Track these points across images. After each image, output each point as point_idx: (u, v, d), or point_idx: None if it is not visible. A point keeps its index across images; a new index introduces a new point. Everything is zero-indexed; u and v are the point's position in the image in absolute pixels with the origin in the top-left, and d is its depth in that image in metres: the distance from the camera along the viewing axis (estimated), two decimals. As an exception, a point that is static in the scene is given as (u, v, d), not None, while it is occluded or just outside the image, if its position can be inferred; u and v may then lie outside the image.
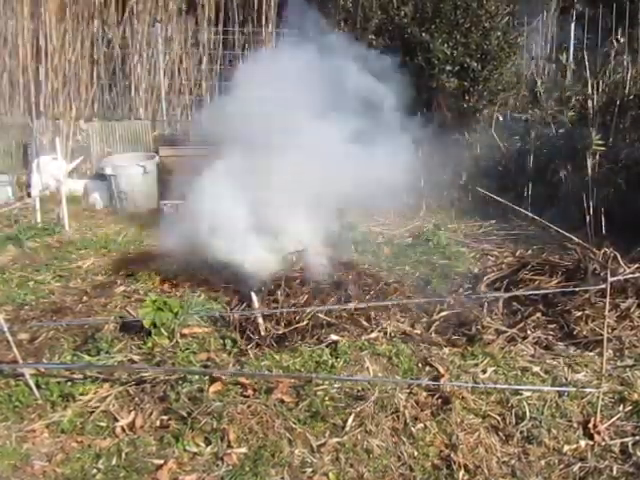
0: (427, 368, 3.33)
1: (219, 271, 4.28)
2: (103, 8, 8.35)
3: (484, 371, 3.29)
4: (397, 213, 6.91)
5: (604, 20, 8.16)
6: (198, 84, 9.09)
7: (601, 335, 3.13)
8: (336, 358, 3.36)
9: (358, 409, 2.92)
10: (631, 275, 3.91)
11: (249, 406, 2.93)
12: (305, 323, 3.78)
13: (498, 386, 3.13)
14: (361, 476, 2.58)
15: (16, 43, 7.88)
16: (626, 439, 2.80)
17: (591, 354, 3.50)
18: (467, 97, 7.31)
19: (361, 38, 7.41)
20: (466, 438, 2.78)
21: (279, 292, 4.03)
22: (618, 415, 2.94)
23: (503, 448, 2.77)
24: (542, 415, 2.93)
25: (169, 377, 3.13)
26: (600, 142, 5.90)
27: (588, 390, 3.04)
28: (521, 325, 3.81)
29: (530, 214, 4.57)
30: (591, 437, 2.82)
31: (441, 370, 3.27)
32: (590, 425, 2.86)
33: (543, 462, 2.69)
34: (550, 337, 3.71)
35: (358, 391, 3.07)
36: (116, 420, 2.87)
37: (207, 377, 3.13)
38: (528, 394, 3.06)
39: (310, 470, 2.59)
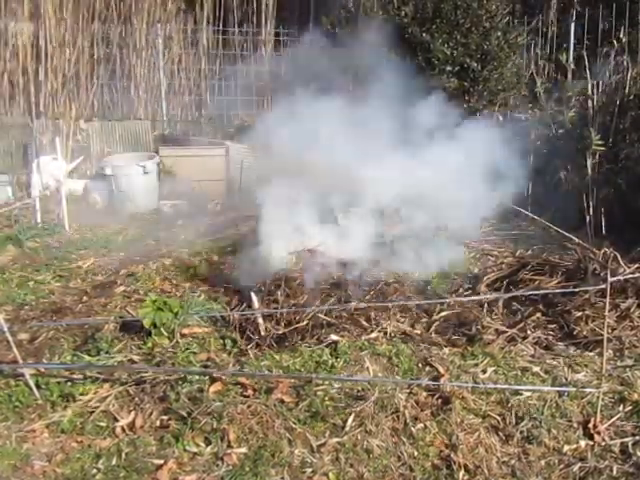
0: (427, 368, 3.33)
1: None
2: (103, 8, 8.35)
3: (484, 371, 3.29)
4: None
5: (604, 20, 8.17)
6: (198, 84, 9.10)
7: (601, 335, 3.13)
8: (336, 358, 3.36)
9: (358, 409, 2.92)
10: (631, 275, 3.91)
11: (249, 406, 2.93)
12: (305, 323, 3.78)
13: (498, 386, 3.13)
14: (361, 476, 2.58)
15: (16, 43, 7.88)
16: (626, 439, 2.80)
17: (591, 354, 3.50)
18: (467, 97, 7.31)
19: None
20: (466, 438, 2.78)
21: (279, 292, 4.03)
22: (618, 415, 2.94)
23: (503, 448, 2.77)
24: (542, 415, 2.93)
25: (169, 377, 3.13)
26: (600, 142, 5.90)
27: (588, 390, 3.04)
28: (521, 325, 3.81)
29: (530, 214, 4.56)
30: (591, 437, 2.82)
31: (441, 370, 3.27)
32: (590, 425, 2.86)
33: (543, 462, 2.69)
34: (550, 337, 3.70)
35: (358, 391, 3.07)
36: (116, 420, 2.87)
37: (207, 377, 3.13)
38: (528, 394, 3.06)
39: (310, 470, 2.59)
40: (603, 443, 2.78)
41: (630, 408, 2.98)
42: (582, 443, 2.79)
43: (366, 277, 4.41)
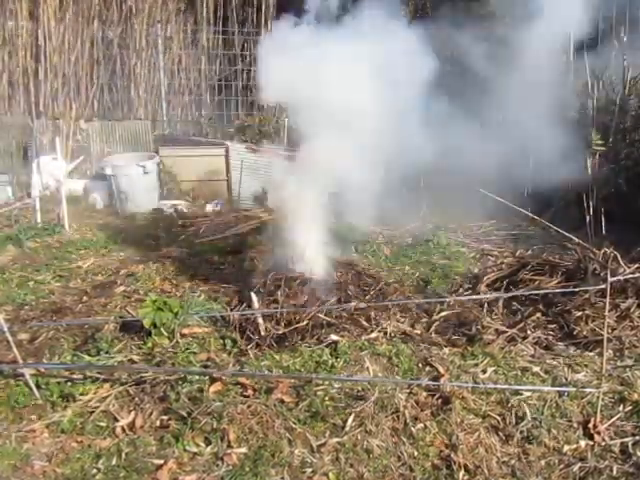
0: (427, 368, 3.33)
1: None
2: (103, 8, 8.35)
3: (484, 371, 3.29)
4: (397, 213, 6.90)
5: (604, 20, 8.15)
6: (198, 84, 9.10)
7: (601, 335, 3.13)
8: (336, 358, 3.36)
9: (358, 409, 2.92)
10: (631, 275, 3.91)
11: (249, 406, 2.93)
12: (305, 323, 3.78)
13: (498, 386, 3.13)
14: (361, 476, 2.58)
15: (16, 43, 7.89)
16: (626, 439, 2.80)
17: (591, 354, 3.50)
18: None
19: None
20: (466, 438, 2.78)
21: (279, 292, 4.03)
22: (618, 415, 2.94)
23: (503, 448, 2.77)
24: (542, 415, 2.93)
25: (169, 377, 3.13)
26: (600, 142, 5.90)
27: (588, 390, 3.04)
28: (521, 325, 3.81)
29: (530, 214, 4.57)
30: (591, 437, 2.82)
31: (441, 370, 3.27)
32: (590, 425, 2.86)
33: (543, 462, 2.69)
34: (550, 337, 3.71)
35: (358, 391, 3.07)
36: (116, 420, 2.87)
37: (207, 377, 3.13)
38: (528, 394, 3.06)
39: (310, 470, 2.59)
40: (603, 443, 2.78)
41: (630, 408, 2.99)
42: (582, 443, 2.79)
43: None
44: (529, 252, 5.25)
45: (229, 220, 5.97)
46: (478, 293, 4.29)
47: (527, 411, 2.94)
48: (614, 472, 2.62)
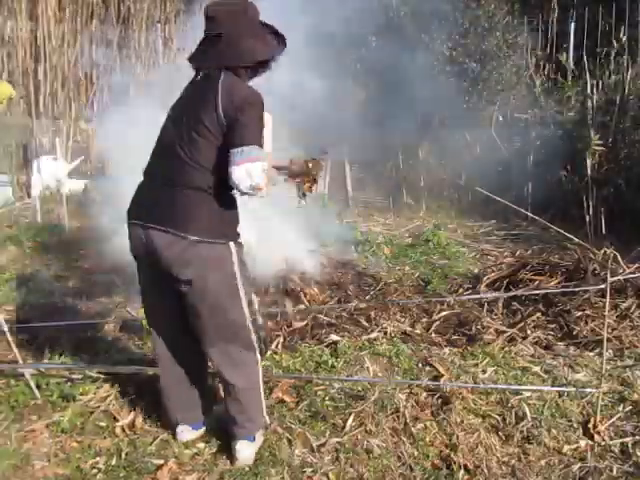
0: (427, 368, 3.33)
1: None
2: (102, 9, 8.36)
3: (484, 371, 3.29)
4: (397, 213, 6.92)
5: (604, 20, 8.17)
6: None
7: (601, 335, 3.13)
8: (336, 358, 3.36)
9: (358, 409, 2.92)
10: (631, 275, 3.92)
11: (249, 406, 2.92)
12: (305, 323, 3.79)
13: (498, 386, 3.13)
14: (361, 476, 2.58)
15: (15, 43, 7.89)
16: (626, 439, 2.80)
17: (591, 354, 3.50)
18: (466, 97, 7.31)
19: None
20: (466, 438, 2.78)
21: (279, 292, 4.03)
22: (618, 415, 2.94)
23: (503, 448, 2.77)
24: (542, 415, 2.93)
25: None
26: (600, 142, 5.91)
27: (588, 390, 3.04)
28: (521, 325, 3.81)
29: (530, 214, 4.57)
30: (591, 437, 2.82)
31: (441, 370, 3.26)
32: (590, 425, 2.86)
33: (543, 462, 2.68)
34: (550, 337, 3.71)
35: (358, 391, 3.07)
36: (116, 420, 2.87)
37: (207, 377, 3.13)
38: (528, 394, 3.06)
39: (310, 470, 2.59)
40: (603, 443, 2.78)
41: (630, 408, 2.98)
42: (582, 443, 2.79)
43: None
44: (529, 252, 5.25)
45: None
46: (478, 293, 4.30)
47: (527, 411, 2.94)
48: (614, 472, 2.62)
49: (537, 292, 4.03)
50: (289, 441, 2.73)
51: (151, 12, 8.52)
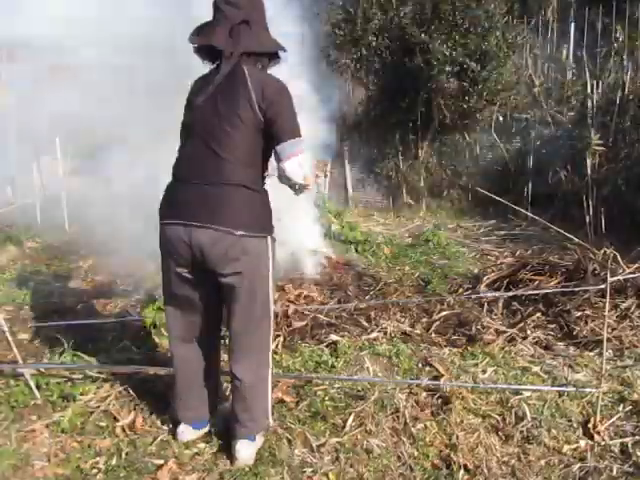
0: (427, 368, 3.33)
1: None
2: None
3: (484, 371, 3.29)
4: (397, 213, 6.93)
5: (604, 20, 8.17)
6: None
7: (601, 335, 3.13)
8: (336, 358, 3.36)
9: (358, 409, 2.92)
10: (631, 275, 3.92)
11: (249, 406, 2.92)
12: (305, 323, 3.79)
13: (498, 386, 3.13)
14: (361, 476, 2.58)
15: (16, 43, 7.87)
16: (626, 439, 2.80)
17: (591, 354, 3.50)
18: (466, 97, 7.32)
19: (361, 38, 7.42)
20: (466, 438, 2.78)
21: (279, 292, 4.03)
22: (618, 415, 2.94)
23: (503, 448, 2.77)
24: (542, 415, 2.93)
25: (169, 377, 3.12)
26: (600, 142, 5.91)
27: (588, 390, 3.04)
28: (521, 325, 3.82)
29: (530, 214, 4.58)
30: (591, 437, 2.82)
31: (441, 370, 3.27)
32: (590, 425, 2.86)
33: (543, 462, 2.68)
34: (550, 337, 3.71)
35: (358, 391, 3.07)
36: (116, 420, 2.87)
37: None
38: (528, 394, 3.06)
39: (310, 470, 2.59)
40: (603, 443, 2.78)
41: (630, 408, 2.98)
42: (582, 443, 2.79)
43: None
44: (529, 252, 5.26)
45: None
46: (478, 293, 4.30)
47: (527, 411, 2.94)
48: (614, 472, 2.62)
49: (537, 292, 4.03)
50: (289, 441, 2.73)
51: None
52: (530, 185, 7.02)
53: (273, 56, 2.51)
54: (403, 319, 3.95)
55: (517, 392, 3.07)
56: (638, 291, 3.99)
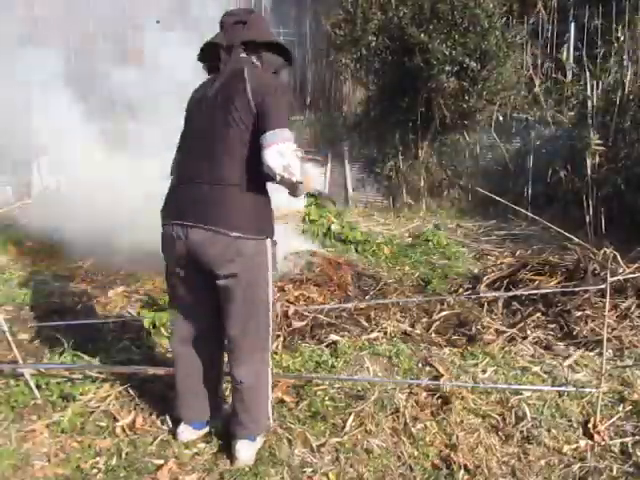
0: (427, 368, 3.33)
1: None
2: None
3: (484, 371, 3.30)
4: (397, 213, 6.93)
5: (603, 20, 8.16)
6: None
7: (601, 335, 3.13)
8: (336, 358, 3.36)
9: (358, 409, 2.92)
10: (631, 275, 3.92)
11: (249, 406, 2.92)
12: (305, 323, 3.79)
13: (498, 386, 3.13)
14: (361, 476, 2.58)
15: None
16: (626, 439, 2.80)
17: (591, 354, 3.50)
18: (466, 97, 7.32)
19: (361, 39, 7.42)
20: (466, 438, 2.78)
21: (279, 292, 4.03)
22: (618, 415, 2.94)
23: (503, 448, 2.77)
24: (542, 415, 2.93)
25: (169, 377, 3.12)
26: (600, 142, 5.91)
27: (588, 390, 3.04)
28: (521, 325, 3.82)
29: (530, 214, 4.58)
30: (591, 437, 2.82)
31: (441, 370, 3.27)
32: (590, 425, 2.86)
33: (543, 462, 2.68)
34: (550, 337, 3.71)
35: (358, 391, 3.07)
36: (116, 420, 2.87)
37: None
38: (528, 394, 3.06)
39: (310, 470, 2.59)
40: (603, 443, 2.78)
41: (630, 408, 2.99)
42: (582, 443, 2.79)
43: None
44: (529, 252, 5.25)
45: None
46: (478, 293, 4.30)
47: (527, 411, 2.94)
48: (614, 472, 2.62)
49: (537, 292, 4.03)
50: (289, 441, 2.73)
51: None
52: (530, 185, 7.02)
53: (281, 55, 2.55)
54: (403, 319, 3.95)
55: (517, 392, 3.07)
56: (638, 291, 3.99)
